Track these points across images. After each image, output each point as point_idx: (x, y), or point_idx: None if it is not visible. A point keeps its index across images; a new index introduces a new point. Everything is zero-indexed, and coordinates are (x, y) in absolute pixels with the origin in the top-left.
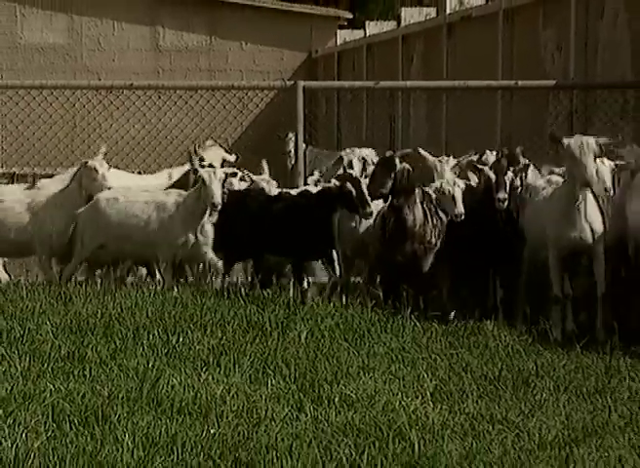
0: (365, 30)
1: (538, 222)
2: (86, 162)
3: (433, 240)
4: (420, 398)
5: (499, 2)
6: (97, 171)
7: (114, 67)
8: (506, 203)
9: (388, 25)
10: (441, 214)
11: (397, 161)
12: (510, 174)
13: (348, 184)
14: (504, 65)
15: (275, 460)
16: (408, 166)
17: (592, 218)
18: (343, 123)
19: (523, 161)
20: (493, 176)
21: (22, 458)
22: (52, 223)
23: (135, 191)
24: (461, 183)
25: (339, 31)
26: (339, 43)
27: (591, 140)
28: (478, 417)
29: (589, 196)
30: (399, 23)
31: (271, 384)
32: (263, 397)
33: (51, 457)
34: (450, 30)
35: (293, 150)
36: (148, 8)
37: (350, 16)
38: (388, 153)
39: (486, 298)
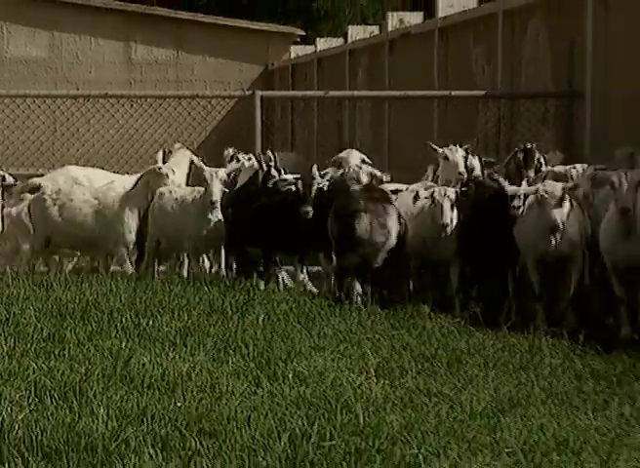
0: (316, 46)
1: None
2: (159, 168)
3: (382, 239)
4: (364, 374)
5: (434, 21)
6: (167, 176)
7: (91, 78)
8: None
9: (336, 42)
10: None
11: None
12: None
13: (299, 184)
14: (440, 77)
15: (235, 430)
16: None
17: (569, 225)
18: (297, 129)
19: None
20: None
21: (8, 429)
22: (121, 222)
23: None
24: (452, 194)
25: (292, 47)
26: (292, 57)
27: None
28: (416, 391)
29: (567, 204)
30: (346, 40)
31: (232, 362)
32: (225, 374)
33: (33, 428)
34: (391, 46)
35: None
36: (122, 25)
37: (303, 33)
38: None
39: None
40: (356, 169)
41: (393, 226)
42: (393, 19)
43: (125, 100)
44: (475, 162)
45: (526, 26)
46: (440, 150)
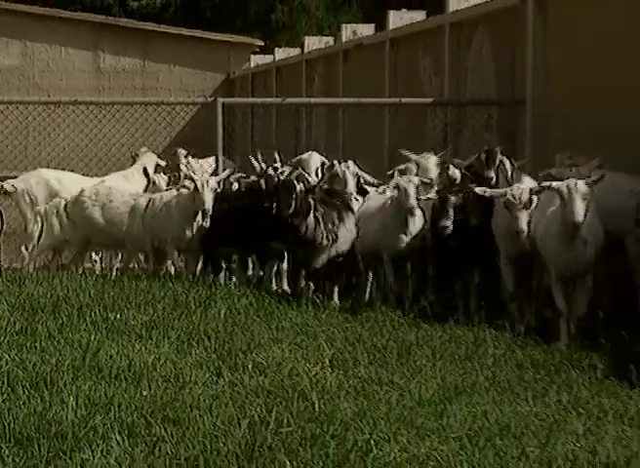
0: (274, 55)
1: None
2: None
3: (325, 241)
4: (319, 364)
5: (385, 33)
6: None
7: (61, 86)
8: None
9: (294, 52)
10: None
11: (295, 183)
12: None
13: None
14: (391, 86)
15: (198, 418)
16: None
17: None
18: (256, 133)
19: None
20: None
21: None
22: (170, 223)
23: None
24: (416, 180)
25: (252, 56)
26: (252, 66)
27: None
28: (368, 380)
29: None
30: (303, 50)
31: (195, 353)
32: (188, 364)
33: (6, 416)
34: (345, 56)
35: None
36: (91, 35)
37: (262, 43)
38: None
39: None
40: (344, 169)
41: (344, 233)
42: (347, 31)
43: (94, 107)
44: (457, 172)
45: (471, 39)
46: (414, 157)
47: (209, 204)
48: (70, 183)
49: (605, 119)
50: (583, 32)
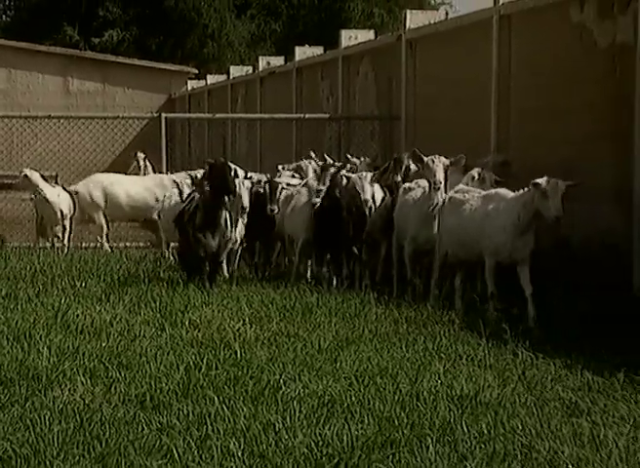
0: (206, 81)
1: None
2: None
3: (232, 236)
4: (241, 321)
5: (293, 63)
6: None
7: (38, 104)
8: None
9: (221, 78)
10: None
11: None
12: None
13: (266, 187)
14: (297, 104)
15: (145, 363)
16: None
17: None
18: (192, 141)
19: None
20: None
21: None
22: None
23: None
24: (369, 176)
25: (189, 81)
26: (189, 89)
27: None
28: (279, 333)
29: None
30: (228, 76)
31: (143, 313)
32: (138, 322)
33: None
34: (261, 81)
35: (141, 164)
36: (62, 64)
37: (197, 71)
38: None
39: None
40: (306, 163)
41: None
42: (263, 62)
43: (64, 120)
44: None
45: (358, 68)
46: (354, 160)
47: (247, 202)
48: (120, 184)
49: (454, 129)
50: (439, 66)
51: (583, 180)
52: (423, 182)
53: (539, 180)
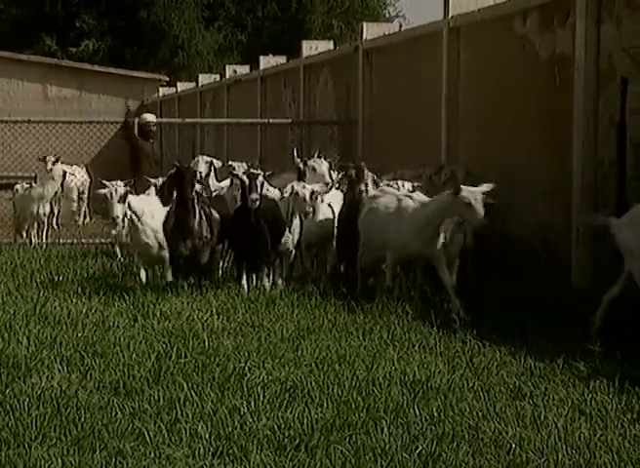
0: (176, 88)
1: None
2: None
3: (208, 235)
4: (209, 313)
5: (257, 71)
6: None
7: (20, 109)
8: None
9: (191, 85)
10: (215, 215)
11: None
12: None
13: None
14: (262, 110)
15: (119, 352)
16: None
17: None
18: (164, 144)
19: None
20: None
21: None
22: None
23: None
24: (312, 188)
25: (160, 88)
26: (161, 95)
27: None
28: (244, 324)
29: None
30: (197, 84)
31: (117, 305)
32: (112, 313)
33: None
34: (228, 88)
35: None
36: (41, 72)
37: (168, 79)
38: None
39: None
40: (297, 160)
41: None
42: (229, 70)
43: (43, 124)
44: (334, 175)
45: (318, 76)
46: (310, 163)
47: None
48: None
49: (408, 134)
50: (393, 75)
51: (494, 185)
52: (390, 189)
53: (461, 192)
